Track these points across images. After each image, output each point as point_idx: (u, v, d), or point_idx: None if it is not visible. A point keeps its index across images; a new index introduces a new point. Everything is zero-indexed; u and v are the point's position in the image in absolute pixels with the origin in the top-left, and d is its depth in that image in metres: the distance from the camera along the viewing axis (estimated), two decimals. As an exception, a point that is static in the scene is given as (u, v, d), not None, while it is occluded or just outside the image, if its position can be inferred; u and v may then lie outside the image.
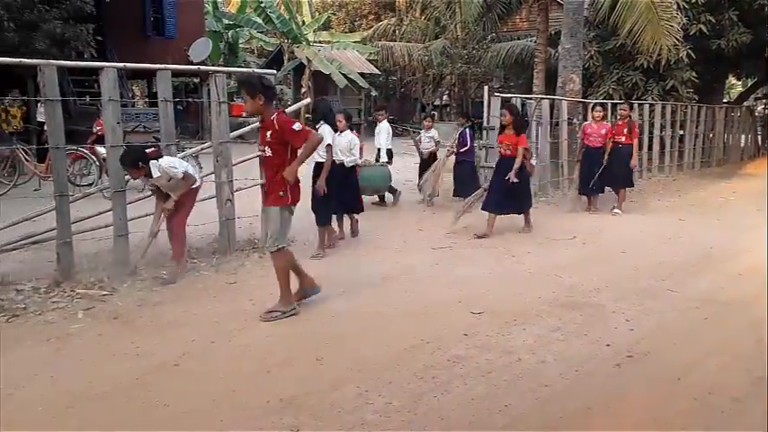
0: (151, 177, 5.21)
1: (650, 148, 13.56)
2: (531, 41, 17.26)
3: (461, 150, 9.00)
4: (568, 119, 11.18)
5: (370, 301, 4.87)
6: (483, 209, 7.48)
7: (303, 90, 20.58)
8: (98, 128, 10.09)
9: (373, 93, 22.99)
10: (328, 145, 6.26)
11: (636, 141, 9.13)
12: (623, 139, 8.94)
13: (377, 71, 24.20)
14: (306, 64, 20.71)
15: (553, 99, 11.26)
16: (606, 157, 8.87)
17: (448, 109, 25.17)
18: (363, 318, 4.52)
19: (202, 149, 7.10)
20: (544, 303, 4.85)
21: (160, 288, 5.07)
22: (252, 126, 7.97)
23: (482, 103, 9.89)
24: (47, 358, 3.77)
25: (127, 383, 3.44)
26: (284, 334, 4.20)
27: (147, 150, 5.46)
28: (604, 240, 7.27)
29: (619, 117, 9.30)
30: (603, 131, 8.91)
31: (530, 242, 7.02)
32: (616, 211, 8.90)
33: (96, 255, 5.56)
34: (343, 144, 6.74)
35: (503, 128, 7.52)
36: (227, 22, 21.87)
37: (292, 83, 23.44)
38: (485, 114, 9.57)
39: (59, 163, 5.38)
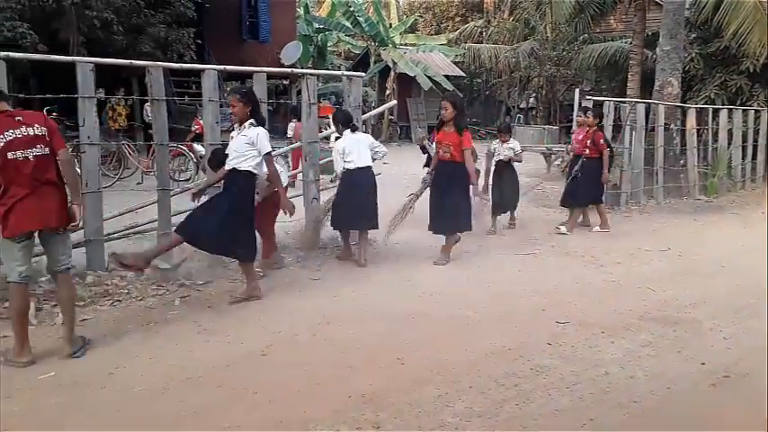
0: None
1: (754, 157, 12.67)
2: (625, 43, 16.58)
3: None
4: (665, 124, 10.65)
5: (452, 306, 4.85)
6: (432, 230, 6.21)
7: (388, 92, 20.77)
8: (196, 126, 10.65)
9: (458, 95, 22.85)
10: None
11: (605, 154, 7.74)
12: (587, 152, 7.77)
13: (462, 73, 24.02)
14: (391, 66, 20.88)
15: (649, 103, 10.76)
16: (578, 167, 7.87)
17: (534, 112, 24.62)
18: (444, 321, 4.50)
19: (292, 149, 7.33)
20: (634, 316, 4.64)
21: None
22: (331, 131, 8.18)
23: (571, 106, 9.62)
24: (146, 341, 4.02)
25: (218, 369, 3.61)
26: (367, 332, 4.26)
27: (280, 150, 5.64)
28: (702, 253, 6.87)
29: (577, 125, 8.28)
30: (581, 137, 7.94)
31: (620, 252, 6.74)
32: (596, 229, 7.91)
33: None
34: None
35: (441, 124, 6.09)
36: (317, 25, 22.44)
37: (377, 85, 23.71)
38: (574, 118, 9.29)
39: (162, 159, 5.74)
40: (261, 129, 4.79)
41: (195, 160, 10.08)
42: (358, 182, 5.93)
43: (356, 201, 5.92)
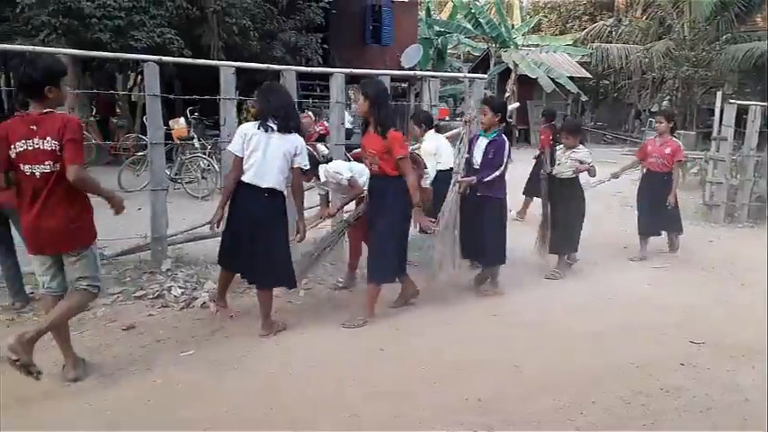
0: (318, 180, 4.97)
1: None
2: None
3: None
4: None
5: (579, 317, 4.67)
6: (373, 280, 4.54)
7: (507, 95, 20.37)
8: (320, 128, 11.08)
9: (583, 97, 21.91)
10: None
11: (677, 170, 6.46)
12: (664, 163, 6.44)
13: (588, 74, 23.03)
14: (512, 68, 20.48)
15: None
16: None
17: (666, 116, 23.07)
18: (569, 333, 4.35)
19: (413, 149, 7.41)
20: (780, 340, 4.22)
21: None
22: (455, 130, 8.14)
23: (711, 110, 8.90)
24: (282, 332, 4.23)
25: (340, 361, 3.74)
26: (482, 336, 4.23)
27: (356, 151, 5.60)
28: None
29: (657, 131, 6.76)
30: (668, 151, 6.39)
31: (761, 269, 6.14)
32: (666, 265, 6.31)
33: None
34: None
35: (366, 125, 4.45)
36: (437, 28, 22.51)
37: (496, 87, 23.35)
38: (715, 124, 8.58)
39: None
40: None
41: (319, 160, 10.46)
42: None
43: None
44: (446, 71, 21.01)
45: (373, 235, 4.47)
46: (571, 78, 20.84)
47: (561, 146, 5.81)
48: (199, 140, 10.28)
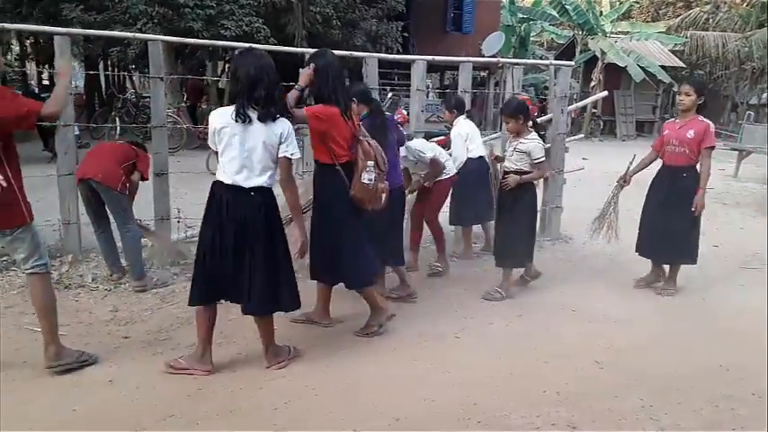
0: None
1: None
2: None
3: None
4: None
5: (664, 318, 4.48)
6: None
7: (593, 84, 19.64)
8: (398, 116, 11.13)
9: (675, 88, 20.74)
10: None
11: (706, 161, 4.66)
12: (685, 152, 4.69)
13: (681, 64, 21.81)
14: (599, 56, 19.70)
15: None
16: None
17: (767, 109, 21.52)
18: (653, 332, 4.19)
19: (491, 139, 7.31)
20: None
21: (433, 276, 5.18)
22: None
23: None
24: (355, 316, 4.33)
25: (414, 344, 3.77)
26: (563, 331, 4.13)
27: (436, 139, 5.67)
28: None
29: (680, 107, 4.79)
30: (691, 134, 4.63)
31: None
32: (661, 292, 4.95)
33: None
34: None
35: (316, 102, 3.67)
36: (521, 15, 22.00)
37: (581, 76, 22.56)
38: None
39: (371, 143, 6.11)
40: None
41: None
42: (483, 172, 5.53)
43: (483, 194, 5.50)
44: (529, 59, 20.48)
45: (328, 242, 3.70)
46: (663, 68, 19.82)
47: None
48: (280, 126, 10.58)
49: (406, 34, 15.99)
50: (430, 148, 5.03)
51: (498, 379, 3.39)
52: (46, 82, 23.22)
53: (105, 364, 3.35)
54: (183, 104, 14.05)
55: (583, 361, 3.65)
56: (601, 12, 21.56)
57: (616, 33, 20.93)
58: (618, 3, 22.70)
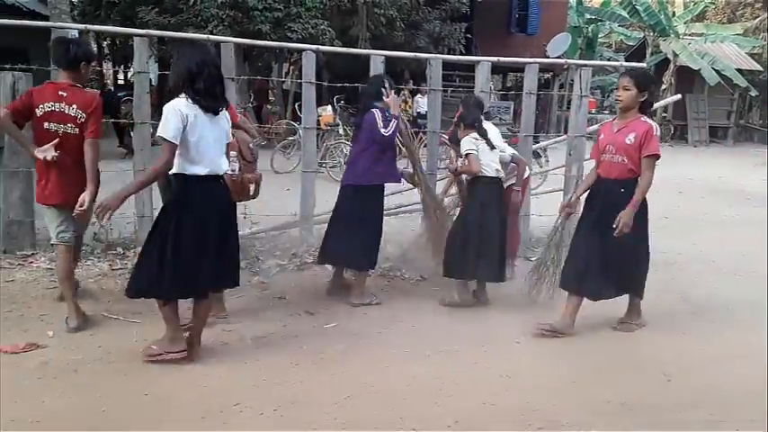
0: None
1: None
2: None
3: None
4: None
5: (735, 329, 4.29)
6: None
7: (664, 87, 18.94)
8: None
9: (752, 92, 19.77)
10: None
11: (646, 173, 3.75)
12: (623, 161, 3.80)
13: (760, 67, 20.73)
14: (671, 58, 19.00)
15: None
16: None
17: None
18: (725, 343, 4.01)
19: (556, 142, 7.18)
20: None
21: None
22: (595, 126, 7.74)
23: None
24: (411, 310, 4.37)
25: (473, 347, 3.75)
26: (631, 342, 4.01)
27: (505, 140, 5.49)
28: None
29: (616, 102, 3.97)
30: (630, 140, 3.75)
31: None
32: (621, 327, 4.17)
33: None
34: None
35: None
36: (588, 16, 21.46)
37: (651, 79, 21.74)
38: None
39: (433, 146, 6.10)
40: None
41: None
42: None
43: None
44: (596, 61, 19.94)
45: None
46: (739, 71, 18.90)
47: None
48: (343, 127, 10.73)
49: (469, 35, 15.89)
50: (474, 146, 4.69)
51: (560, 385, 3.33)
52: (121, 81, 24.38)
53: (175, 352, 3.50)
54: (250, 105, 14.46)
55: (649, 372, 3.53)
56: (674, 12, 20.77)
57: (689, 35, 20.10)
58: (692, 3, 21.81)
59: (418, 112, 13.19)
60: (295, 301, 4.39)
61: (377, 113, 4.29)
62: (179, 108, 3.11)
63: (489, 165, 4.46)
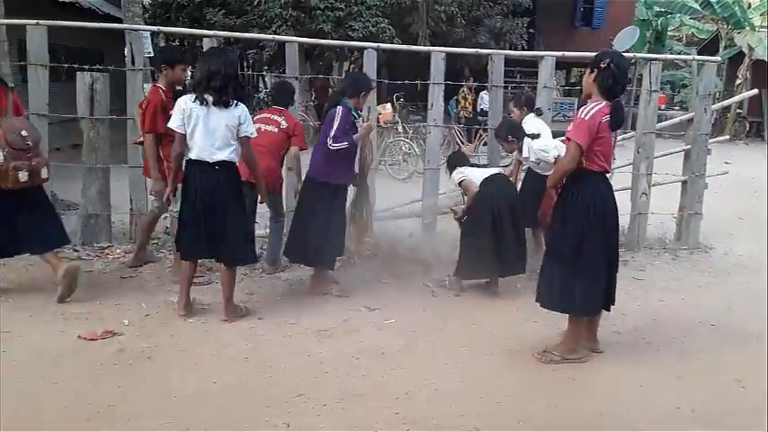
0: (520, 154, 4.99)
1: None
2: None
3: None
4: None
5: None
6: None
7: (738, 82, 18.01)
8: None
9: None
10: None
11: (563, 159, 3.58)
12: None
13: None
14: (746, 52, 18.03)
15: None
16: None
17: None
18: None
19: (623, 139, 6.95)
20: None
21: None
22: (674, 120, 7.44)
23: None
24: (476, 311, 4.34)
25: (536, 349, 3.69)
26: (701, 347, 3.85)
27: (562, 138, 5.38)
28: None
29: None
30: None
31: None
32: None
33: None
34: None
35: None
36: (657, 9, 20.66)
37: (725, 74, 20.76)
38: None
39: (493, 141, 6.03)
40: None
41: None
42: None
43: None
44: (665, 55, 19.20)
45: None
46: (822, 64, 17.75)
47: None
48: (402, 125, 10.75)
49: (531, 30, 15.61)
50: (554, 147, 4.83)
51: (627, 391, 3.24)
52: (188, 80, 25.18)
53: (242, 343, 3.62)
54: (311, 103, 14.69)
55: (722, 379, 3.39)
56: (749, 4, 19.70)
57: (766, 27, 19.02)
58: (770, -7, 20.62)
59: (481, 109, 13.07)
60: (355, 297, 4.44)
61: (339, 111, 4.25)
62: (180, 102, 3.72)
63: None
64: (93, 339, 3.56)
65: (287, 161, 4.80)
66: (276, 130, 4.61)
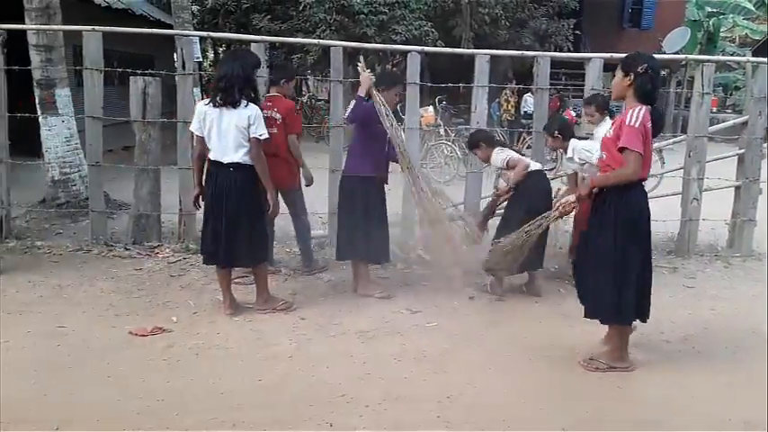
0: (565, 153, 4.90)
1: None
2: None
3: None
4: None
5: None
6: None
7: (795, 84, 17.29)
8: (566, 116, 10.73)
9: None
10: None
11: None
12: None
13: None
14: (805, 52, 17.31)
15: None
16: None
17: None
18: None
19: (674, 143, 6.77)
20: None
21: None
22: (727, 123, 7.17)
23: None
24: (519, 317, 4.30)
25: (580, 354, 3.63)
26: (753, 357, 3.72)
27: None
28: None
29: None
30: (610, 132, 3.42)
31: None
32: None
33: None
34: None
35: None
36: (709, 9, 20.05)
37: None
38: None
39: (538, 144, 5.95)
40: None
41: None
42: None
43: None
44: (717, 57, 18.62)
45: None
46: None
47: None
48: (444, 128, 10.72)
49: (577, 32, 15.35)
50: (597, 149, 4.72)
51: (675, 400, 3.15)
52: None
53: (286, 342, 3.67)
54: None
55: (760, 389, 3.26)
56: (808, 1, 18.95)
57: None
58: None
59: (525, 111, 12.93)
60: (397, 299, 4.45)
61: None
62: (197, 106, 3.92)
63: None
64: (143, 335, 3.67)
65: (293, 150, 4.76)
66: (276, 130, 4.50)
